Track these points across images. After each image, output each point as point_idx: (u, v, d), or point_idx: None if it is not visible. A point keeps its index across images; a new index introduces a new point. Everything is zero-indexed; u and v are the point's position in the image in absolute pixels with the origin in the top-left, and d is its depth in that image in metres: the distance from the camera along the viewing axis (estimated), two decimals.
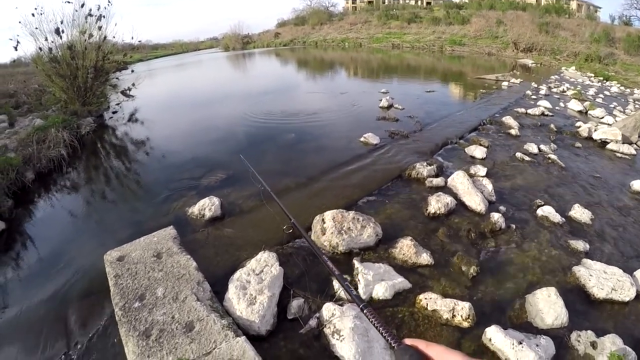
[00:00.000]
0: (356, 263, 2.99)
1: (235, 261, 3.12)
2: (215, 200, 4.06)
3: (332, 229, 3.25)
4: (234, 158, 5.75)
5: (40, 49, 9.05)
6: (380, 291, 2.77)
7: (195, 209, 4.04)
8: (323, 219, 3.39)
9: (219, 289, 2.70)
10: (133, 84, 11.09)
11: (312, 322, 2.51)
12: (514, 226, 3.83)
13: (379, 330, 0.86)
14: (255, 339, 2.36)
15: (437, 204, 3.94)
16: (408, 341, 0.70)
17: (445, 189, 4.46)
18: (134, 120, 9.89)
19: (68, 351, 2.52)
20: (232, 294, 2.55)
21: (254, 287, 2.58)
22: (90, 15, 9.28)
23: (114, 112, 10.64)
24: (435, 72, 17.13)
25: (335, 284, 2.81)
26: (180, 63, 31.63)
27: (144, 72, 14.51)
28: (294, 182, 4.83)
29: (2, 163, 5.35)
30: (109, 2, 9.56)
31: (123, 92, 11.05)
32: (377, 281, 2.84)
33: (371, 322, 0.92)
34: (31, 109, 10.23)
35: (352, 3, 52.25)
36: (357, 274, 2.88)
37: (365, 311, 0.99)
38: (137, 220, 4.21)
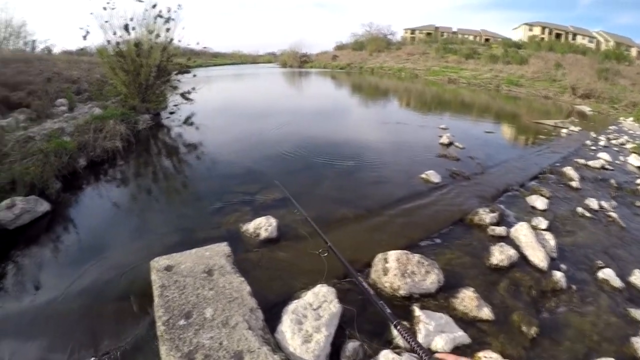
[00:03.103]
0: (417, 310, 2.78)
1: (288, 290, 2.96)
2: (273, 221, 3.92)
3: (395, 270, 3.05)
4: (291, 179, 5.70)
5: (108, 42, 9.37)
6: (440, 343, 2.55)
7: (250, 227, 3.92)
8: (386, 259, 3.20)
9: (269, 318, 2.54)
10: (193, 88, 11.25)
11: None
12: (574, 287, 3.54)
13: (410, 345, 0.89)
14: None
15: (500, 255, 3.68)
16: (439, 355, 0.72)
17: (507, 239, 4.19)
18: (190, 123, 10.04)
19: (96, 356, 2.42)
20: (286, 327, 2.38)
21: (311, 324, 2.40)
22: (160, 16, 9.58)
23: (171, 113, 10.85)
24: (492, 112, 16.60)
25: (394, 330, 2.61)
26: (238, 73, 32.47)
27: (203, 78, 14.82)
28: (353, 212, 4.63)
29: (56, 145, 5.45)
30: (179, 5, 9.84)
31: (183, 95, 11.24)
32: (438, 332, 2.62)
33: (403, 336, 0.96)
34: (91, 97, 10.60)
35: (411, 33, 52.42)
36: (418, 322, 2.66)
37: (398, 327, 1.05)
38: (186, 227, 4.12)
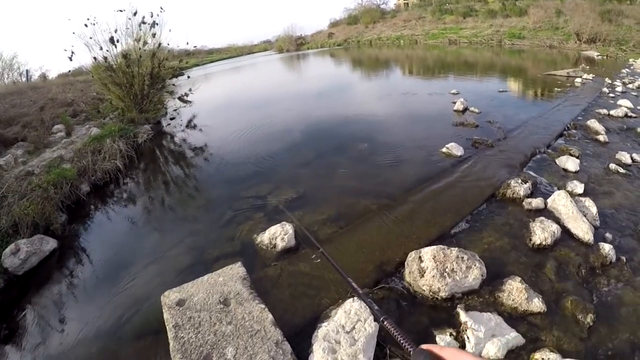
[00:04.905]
0: (462, 314, 2.45)
1: (316, 308, 2.64)
2: (289, 228, 3.59)
3: (432, 270, 2.71)
4: (302, 172, 5.45)
5: (94, 58, 9.11)
6: (492, 350, 2.23)
7: (265, 237, 3.60)
8: (420, 257, 2.85)
9: (297, 345, 2.25)
10: (190, 90, 11.05)
11: None
12: (624, 258, 3.19)
13: (397, 339, 0.90)
14: None
15: (542, 233, 3.31)
16: (424, 346, 0.72)
17: (545, 212, 3.82)
18: (192, 126, 9.83)
19: None
20: (319, 358, 2.09)
21: (346, 351, 2.09)
22: (144, 22, 9.26)
23: (171, 119, 10.67)
24: (500, 69, 15.97)
25: (441, 343, 2.28)
26: (236, 66, 32.05)
27: (200, 77, 14.54)
28: (375, 203, 4.26)
29: (56, 176, 5.22)
30: (161, 9, 9.49)
31: (180, 98, 11.04)
32: (488, 338, 2.30)
33: (390, 331, 0.98)
34: (89, 117, 10.36)
35: (404, 0, 51.14)
36: (465, 330, 2.34)
37: (385, 322, 1.05)
38: (198, 245, 3.85)
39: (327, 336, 2.20)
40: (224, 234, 4.00)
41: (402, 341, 0.88)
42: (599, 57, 19.13)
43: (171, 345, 2.19)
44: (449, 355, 0.66)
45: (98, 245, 4.37)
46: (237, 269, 2.78)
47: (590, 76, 11.96)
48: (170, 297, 2.56)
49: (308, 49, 45.30)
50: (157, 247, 4.06)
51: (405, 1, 50.57)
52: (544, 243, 3.30)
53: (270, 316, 2.30)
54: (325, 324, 2.33)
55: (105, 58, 9.05)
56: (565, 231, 3.54)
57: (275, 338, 2.16)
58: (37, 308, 3.36)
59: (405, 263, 2.98)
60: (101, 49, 9.02)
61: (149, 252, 3.98)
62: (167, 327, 2.33)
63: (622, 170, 4.98)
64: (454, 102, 8.57)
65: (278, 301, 2.71)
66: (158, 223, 4.69)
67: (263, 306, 2.39)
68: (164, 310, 2.47)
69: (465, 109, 8.20)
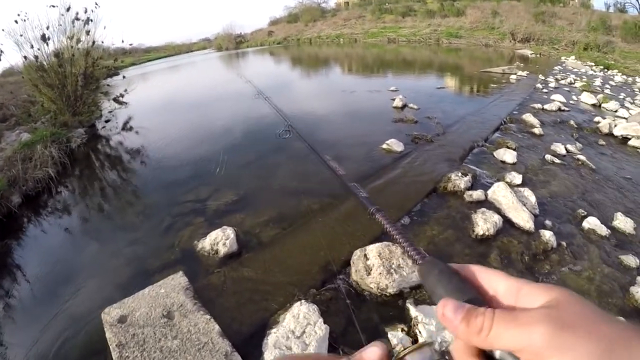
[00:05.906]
0: (412, 309, 2.46)
1: (264, 315, 2.55)
2: (230, 233, 3.46)
3: (379, 268, 2.70)
4: (243, 174, 5.30)
5: (25, 57, 8.46)
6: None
7: (206, 243, 3.44)
8: (366, 255, 2.84)
9: (247, 354, 2.17)
10: (125, 90, 10.52)
11: None
12: (564, 244, 3.40)
13: (399, 243, 0.60)
14: None
15: (485, 224, 3.43)
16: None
17: (486, 203, 3.97)
18: (128, 128, 9.33)
19: None
20: None
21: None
22: (77, 19, 8.70)
23: (106, 121, 10.06)
24: (437, 67, 16.54)
25: (394, 340, 2.28)
26: (174, 65, 30.94)
27: (137, 76, 13.92)
28: (317, 202, 4.21)
29: None
30: (96, 4, 8.97)
31: (115, 99, 10.45)
32: (440, 330, 2.33)
33: (388, 230, 0.66)
34: (19, 122, 9.63)
35: None
36: (417, 325, 2.35)
37: (377, 215, 0.74)
38: (137, 255, 3.65)
39: (277, 343, 2.14)
40: (164, 241, 3.81)
41: (407, 248, 0.58)
42: (533, 55, 20.31)
43: None
44: (471, 271, 0.45)
45: (33, 261, 4.04)
46: (179, 279, 2.65)
47: (524, 73, 12.66)
48: (111, 314, 2.40)
49: (248, 47, 44.76)
50: (96, 259, 3.82)
51: (346, 0, 51.21)
52: (486, 233, 3.42)
53: (217, 327, 2.21)
54: (274, 330, 2.27)
55: (36, 57, 8.42)
56: (507, 221, 3.69)
57: (224, 349, 2.07)
58: None
59: (351, 262, 2.97)
60: (32, 47, 8.40)
61: (88, 265, 3.72)
62: (110, 347, 2.18)
63: (557, 161, 5.30)
64: (393, 99, 8.71)
65: (224, 310, 2.60)
66: (95, 233, 4.41)
67: (209, 317, 2.29)
68: (105, 330, 2.31)
69: (405, 106, 8.36)
